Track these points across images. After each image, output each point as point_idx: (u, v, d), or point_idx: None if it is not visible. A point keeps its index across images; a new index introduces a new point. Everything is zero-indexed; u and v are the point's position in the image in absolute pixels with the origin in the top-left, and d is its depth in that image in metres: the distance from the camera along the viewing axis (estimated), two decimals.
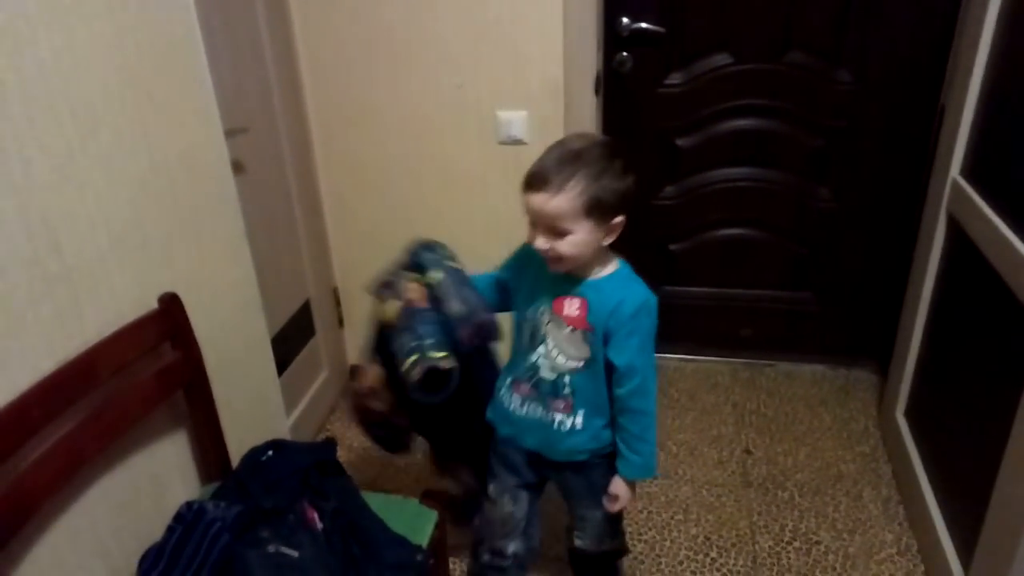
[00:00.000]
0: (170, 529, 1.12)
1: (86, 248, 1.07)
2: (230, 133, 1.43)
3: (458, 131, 1.97)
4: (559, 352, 1.20)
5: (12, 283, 0.94)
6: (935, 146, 1.81)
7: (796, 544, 1.72)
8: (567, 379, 1.21)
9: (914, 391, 1.87)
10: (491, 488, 1.39)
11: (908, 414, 1.90)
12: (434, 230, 2.10)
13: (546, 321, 1.21)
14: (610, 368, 1.19)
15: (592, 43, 1.85)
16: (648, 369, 1.21)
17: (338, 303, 2.27)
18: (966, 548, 1.44)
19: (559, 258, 1.13)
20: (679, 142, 2.17)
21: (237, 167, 1.49)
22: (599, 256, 1.18)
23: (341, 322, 2.29)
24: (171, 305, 1.22)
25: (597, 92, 1.92)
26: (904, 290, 1.94)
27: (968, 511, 1.43)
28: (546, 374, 1.22)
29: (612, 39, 2.02)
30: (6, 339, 0.94)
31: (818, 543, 1.72)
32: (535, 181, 1.09)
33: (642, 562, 1.68)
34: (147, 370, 1.18)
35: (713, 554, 1.70)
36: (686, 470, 1.97)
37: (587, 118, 1.91)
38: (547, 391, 1.24)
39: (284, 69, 1.90)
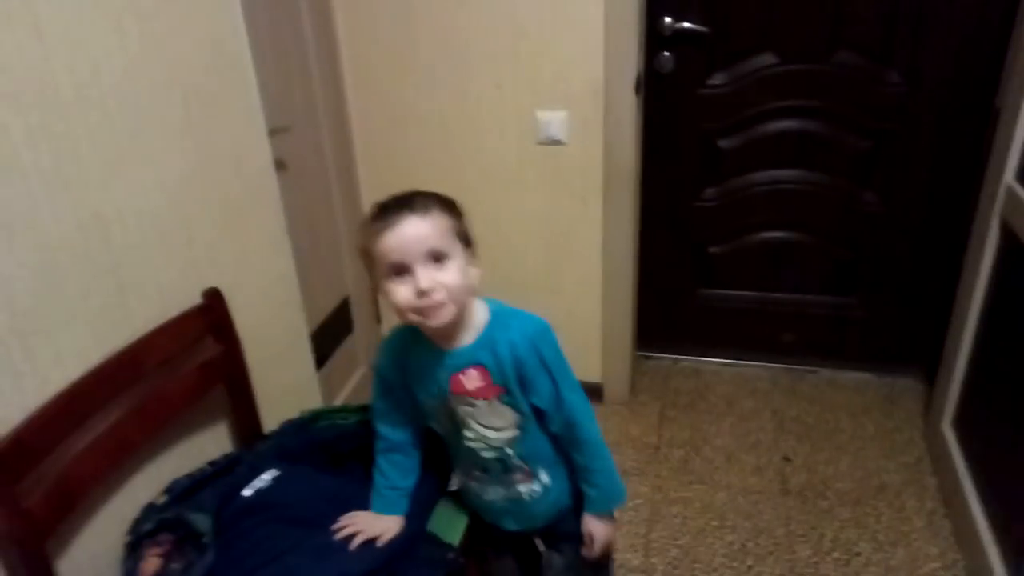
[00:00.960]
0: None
1: (134, 243, 1.10)
2: (273, 132, 1.46)
3: (497, 131, 1.97)
4: (486, 429, 1.07)
5: (64, 275, 0.98)
6: (988, 150, 1.75)
7: (835, 554, 1.68)
8: (510, 451, 1.09)
9: (962, 401, 1.81)
10: None
11: (956, 425, 1.85)
12: (471, 228, 2.12)
13: (456, 405, 1.07)
14: (538, 411, 1.08)
15: (634, 43, 1.83)
16: (572, 395, 1.09)
17: (376, 300, 2.30)
18: (1016, 565, 1.39)
19: (443, 298, 0.96)
20: (721, 143, 2.14)
21: (280, 165, 1.52)
22: (471, 303, 1.05)
23: (379, 319, 2.32)
24: (214, 300, 1.24)
25: (638, 92, 1.91)
26: (953, 297, 1.88)
27: (1017, 527, 1.38)
28: (488, 454, 1.10)
29: (654, 39, 2.00)
30: (58, 330, 0.97)
31: (858, 554, 1.68)
32: (394, 212, 0.97)
33: (676, 567, 1.66)
34: (190, 363, 1.21)
35: (749, 561, 1.67)
36: (723, 476, 1.94)
37: (627, 119, 1.90)
38: (498, 470, 1.12)
39: (327, 69, 1.93)
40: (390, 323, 2.30)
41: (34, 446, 0.90)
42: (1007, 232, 1.61)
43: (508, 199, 2.05)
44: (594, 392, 2.25)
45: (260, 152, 1.40)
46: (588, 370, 2.24)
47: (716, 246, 2.29)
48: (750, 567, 1.66)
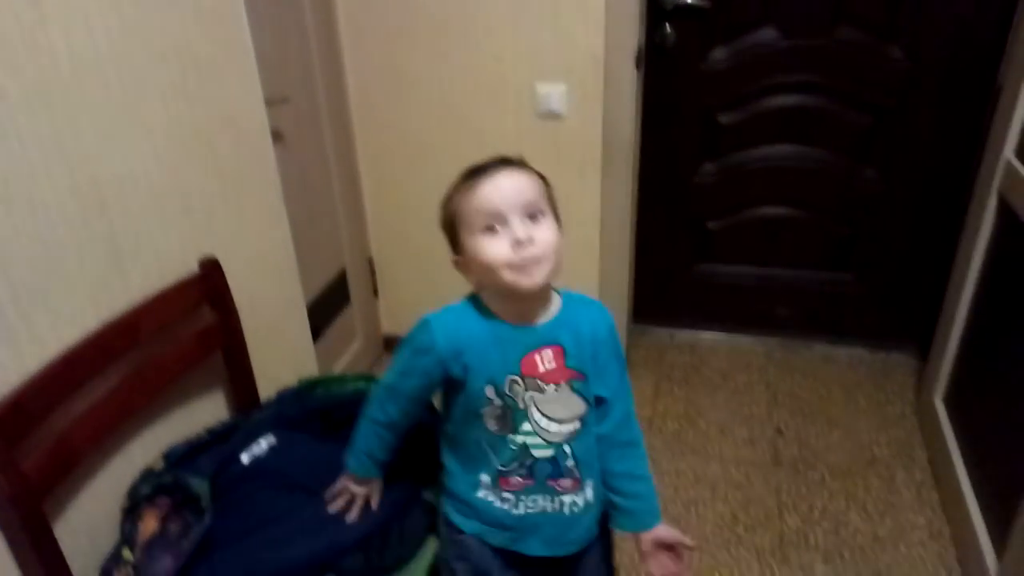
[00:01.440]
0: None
1: (131, 210, 1.10)
2: (271, 102, 1.45)
3: (496, 103, 1.96)
4: (549, 420, 0.98)
5: (61, 242, 0.98)
6: (989, 128, 1.74)
7: (824, 524, 1.71)
8: (567, 449, 1.00)
9: (954, 376, 1.83)
10: None
11: (947, 400, 1.86)
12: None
13: (521, 392, 0.96)
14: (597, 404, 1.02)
15: (635, 16, 1.82)
16: (628, 392, 1.05)
17: (373, 273, 2.31)
18: (1000, 535, 1.42)
19: (541, 253, 0.91)
20: (721, 119, 2.14)
21: (277, 136, 1.52)
22: (555, 277, 0.97)
23: (376, 292, 2.33)
24: (211, 269, 1.25)
25: (638, 66, 1.89)
26: (948, 273, 1.89)
27: (1004, 498, 1.41)
28: (541, 452, 0.99)
29: (655, 12, 1.98)
30: (56, 296, 0.98)
31: (847, 524, 1.71)
32: (493, 166, 0.94)
33: None
34: (187, 331, 1.22)
35: (739, 530, 1.70)
36: (715, 448, 1.96)
37: (627, 92, 1.89)
38: (546, 473, 1.00)
39: (325, 40, 1.91)
40: (387, 297, 2.32)
41: (32, 410, 0.92)
42: (1005, 208, 1.61)
43: None
44: None
45: (257, 122, 1.40)
46: None
47: (714, 221, 2.30)
48: (740, 536, 1.69)
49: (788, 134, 2.12)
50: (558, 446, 0.99)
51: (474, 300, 1.01)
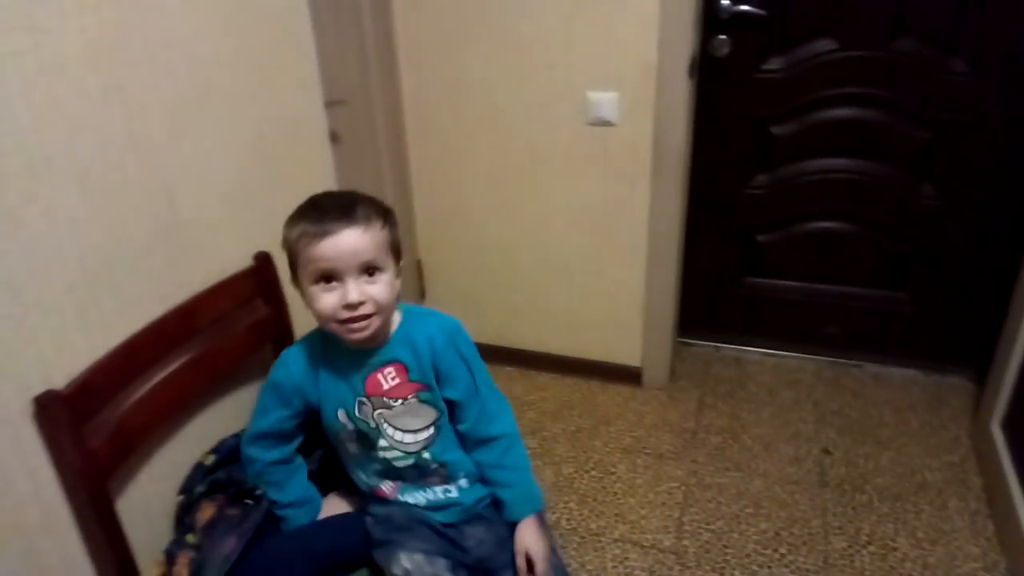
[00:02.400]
0: None
1: (196, 204, 1.15)
2: (329, 105, 1.49)
3: (547, 111, 1.98)
4: (403, 433, 1.05)
5: (131, 231, 1.03)
6: None
7: (871, 548, 1.66)
8: (426, 455, 1.07)
9: (1013, 401, 1.76)
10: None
11: (1005, 425, 1.80)
12: (518, 209, 2.14)
13: (371, 412, 1.04)
14: (451, 408, 1.09)
15: (689, 25, 1.81)
16: (487, 389, 1.09)
17: (421, 275, 2.34)
18: None
19: (373, 311, 0.96)
20: (774, 130, 2.11)
21: (333, 137, 1.56)
22: (393, 310, 1.04)
23: (423, 294, 2.36)
24: (264, 263, 1.29)
25: (691, 76, 1.89)
26: (1008, 294, 1.83)
27: None
28: (403, 462, 1.07)
29: (710, 21, 1.97)
30: (124, 283, 1.02)
31: (895, 549, 1.66)
32: (336, 221, 0.94)
33: (707, 551, 1.67)
34: (240, 323, 1.26)
35: (783, 550, 1.67)
36: (760, 464, 1.93)
37: (679, 102, 1.88)
38: (413, 476, 1.09)
39: (382, 45, 1.96)
40: (435, 299, 2.35)
41: (99, 391, 0.96)
42: None
43: (556, 179, 2.06)
44: (633, 376, 2.26)
45: (316, 123, 1.44)
46: (627, 354, 2.24)
47: (764, 234, 2.26)
48: (783, 555, 1.65)
49: (843, 147, 2.08)
50: (417, 455, 1.07)
51: (321, 336, 1.07)
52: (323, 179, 1.48)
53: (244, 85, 1.22)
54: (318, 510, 1.18)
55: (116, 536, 0.98)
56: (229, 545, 1.01)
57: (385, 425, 1.05)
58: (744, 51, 2.02)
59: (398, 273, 1.02)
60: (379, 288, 0.97)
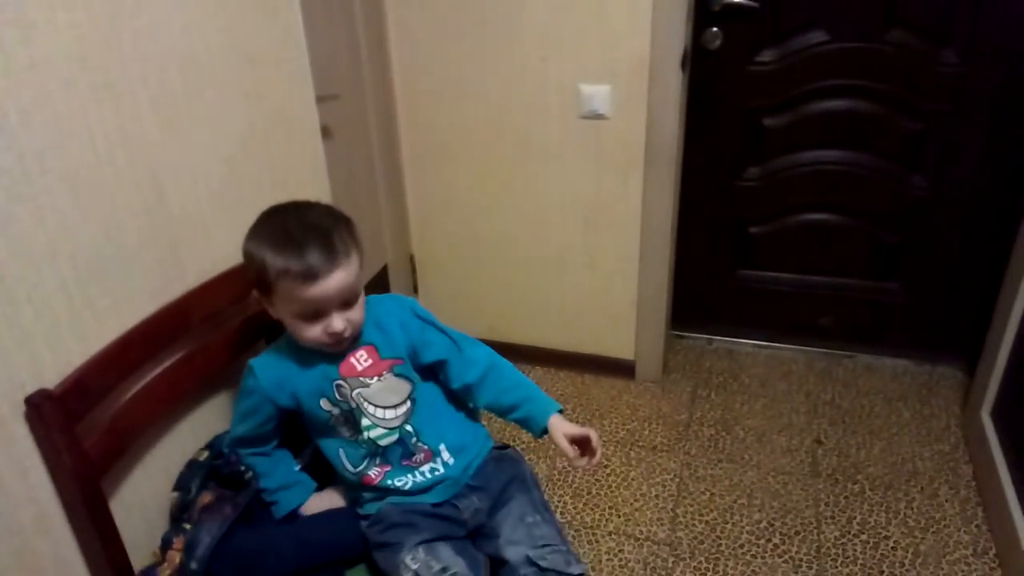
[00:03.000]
0: None
1: (188, 200, 1.14)
2: (321, 99, 1.48)
3: (540, 104, 1.97)
4: (384, 409, 1.09)
5: (124, 229, 1.02)
6: None
7: (863, 537, 1.68)
8: (409, 427, 1.10)
9: (1003, 391, 1.78)
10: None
11: (995, 414, 1.82)
12: (510, 203, 2.14)
13: (349, 393, 1.08)
14: (434, 373, 1.14)
15: (681, 17, 1.81)
16: (468, 341, 1.16)
17: (413, 270, 2.34)
18: None
19: (352, 332, 1.05)
20: (767, 122, 2.11)
21: (325, 132, 1.55)
22: None
23: (416, 289, 2.36)
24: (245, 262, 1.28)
25: (684, 68, 1.89)
26: (999, 285, 1.84)
27: None
28: (387, 440, 1.10)
29: (702, 13, 1.97)
30: (117, 281, 1.02)
31: (887, 538, 1.67)
32: (320, 262, 0.97)
33: (701, 542, 1.68)
34: (233, 319, 1.25)
35: (776, 540, 1.68)
36: (752, 455, 1.94)
37: (671, 94, 1.88)
38: (398, 456, 1.11)
39: (374, 39, 1.95)
40: (427, 294, 2.34)
41: (93, 389, 0.96)
42: None
43: (548, 172, 2.06)
44: (626, 369, 2.27)
45: (308, 118, 1.43)
46: (621, 347, 2.25)
47: (757, 226, 2.27)
48: (776, 546, 1.67)
49: (835, 139, 2.09)
50: (400, 428, 1.10)
51: (290, 339, 1.10)
52: (315, 173, 1.47)
53: (235, 80, 1.21)
54: (310, 490, 1.19)
55: (110, 534, 0.98)
56: (224, 512, 1.04)
57: (365, 404, 1.09)
58: (736, 43, 2.01)
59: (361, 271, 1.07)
60: (357, 311, 1.04)
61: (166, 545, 1.06)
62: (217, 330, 1.21)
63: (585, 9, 1.83)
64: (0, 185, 0.84)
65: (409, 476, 1.12)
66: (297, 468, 1.21)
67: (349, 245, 1.02)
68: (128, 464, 1.08)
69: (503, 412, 1.15)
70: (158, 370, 1.08)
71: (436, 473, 1.13)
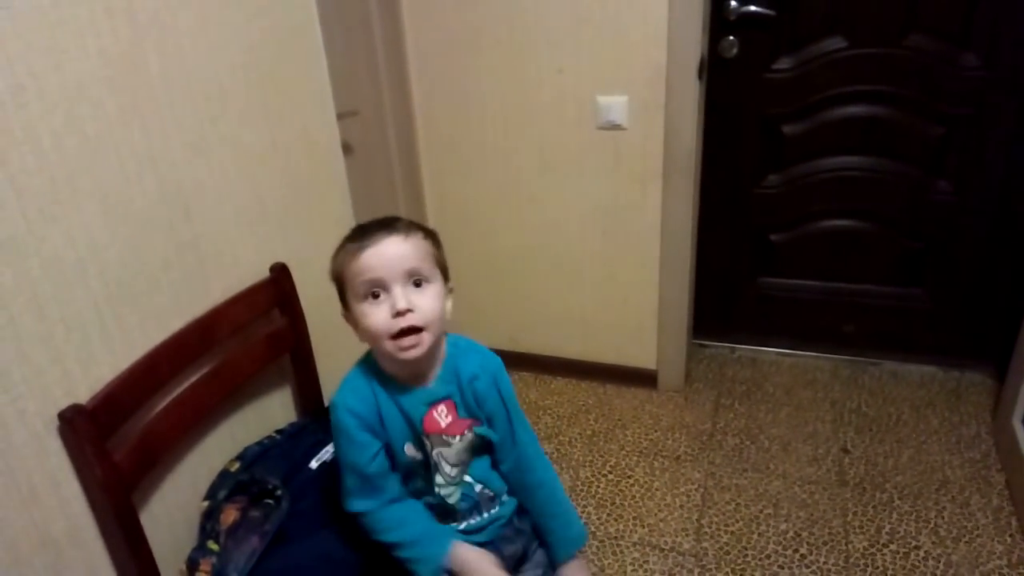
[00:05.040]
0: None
1: (213, 218, 1.16)
2: (341, 115, 1.51)
3: (557, 115, 1.99)
4: (456, 470, 1.05)
5: (150, 247, 1.05)
6: None
7: (893, 547, 1.65)
8: (468, 478, 1.07)
9: None
10: None
11: None
12: (530, 214, 2.15)
13: (430, 450, 1.02)
14: (489, 446, 1.08)
15: (697, 27, 1.82)
16: (525, 434, 1.09)
17: None
18: None
19: (422, 325, 0.93)
20: (785, 129, 2.10)
21: (346, 148, 1.57)
22: (442, 337, 1.02)
23: None
24: (281, 275, 1.31)
25: (701, 77, 1.89)
26: None
27: None
28: (453, 499, 1.06)
29: (719, 22, 1.97)
30: (144, 298, 1.04)
31: (917, 548, 1.64)
32: (377, 229, 0.94)
33: (727, 552, 1.66)
34: (258, 334, 1.28)
35: (803, 551, 1.66)
36: (778, 465, 1.92)
37: (689, 104, 1.88)
38: (466, 509, 1.08)
39: (392, 56, 1.97)
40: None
41: (123, 404, 0.98)
42: None
43: (567, 184, 2.07)
44: (648, 379, 2.26)
45: (329, 135, 1.46)
46: (643, 357, 2.24)
47: (777, 234, 2.26)
48: (803, 556, 1.65)
49: (856, 145, 2.07)
50: (460, 483, 1.06)
51: (368, 363, 1.03)
52: (337, 189, 1.50)
53: (258, 99, 1.24)
54: (450, 534, 1.08)
55: (140, 546, 1.00)
56: (252, 544, 1.03)
57: (442, 462, 1.04)
58: (753, 51, 2.01)
59: (447, 292, 1.00)
60: (427, 299, 0.95)
61: (193, 565, 1.06)
62: (243, 345, 1.24)
63: (600, 20, 1.84)
64: (33, 207, 0.87)
65: (470, 519, 1.10)
66: (432, 517, 1.10)
67: (414, 228, 0.97)
68: (158, 477, 1.10)
69: (534, 525, 1.15)
70: (186, 385, 1.11)
71: (493, 512, 1.11)
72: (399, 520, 1.05)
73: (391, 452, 1.03)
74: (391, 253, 0.93)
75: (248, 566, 1.02)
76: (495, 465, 1.10)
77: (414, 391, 1.01)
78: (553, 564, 1.14)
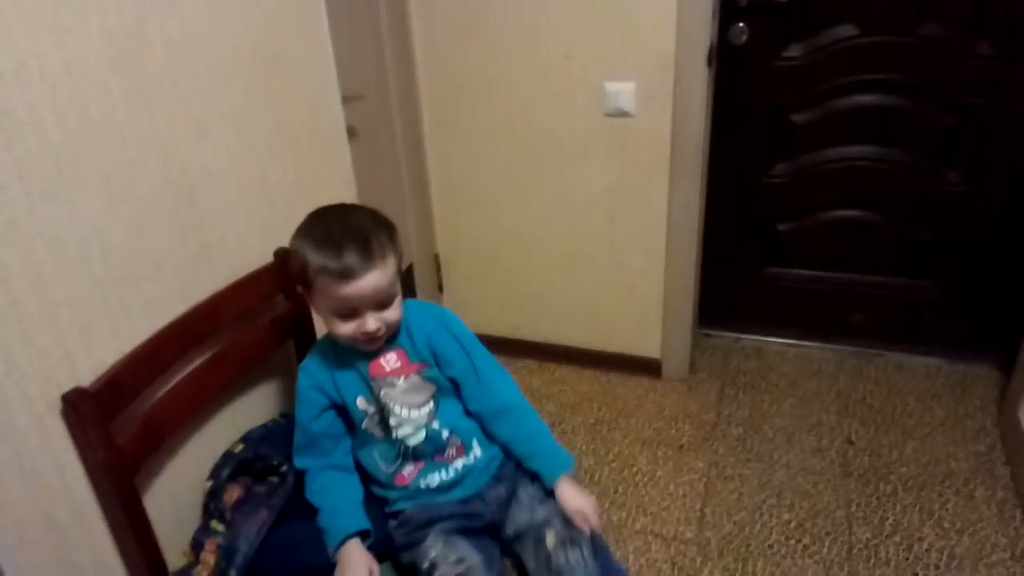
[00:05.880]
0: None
1: (217, 201, 1.15)
2: (346, 99, 1.49)
3: (564, 102, 1.97)
4: (409, 408, 1.11)
5: (154, 231, 1.04)
6: None
7: (896, 538, 1.65)
8: (436, 424, 1.12)
9: None
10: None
11: None
12: (535, 201, 2.14)
13: (378, 392, 1.10)
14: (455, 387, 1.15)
15: (707, 13, 1.79)
16: (488, 366, 1.16)
17: (439, 269, 2.34)
18: None
19: (385, 332, 1.06)
20: (795, 118, 2.08)
21: (351, 132, 1.56)
22: None
23: (441, 288, 2.36)
24: (285, 259, 1.29)
25: (710, 64, 1.87)
26: None
27: None
28: (415, 439, 1.12)
29: (729, 9, 1.95)
30: (149, 282, 1.04)
31: (921, 539, 1.64)
32: (357, 262, 0.99)
33: (730, 542, 1.66)
34: (262, 318, 1.27)
35: (806, 541, 1.66)
36: (782, 455, 1.92)
37: (697, 91, 1.86)
38: (430, 452, 1.13)
39: (398, 39, 1.96)
40: (452, 293, 2.35)
41: (126, 387, 0.97)
42: None
43: (573, 171, 2.05)
44: (652, 368, 2.25)
45: (334, 119, 1.45)
46: (647, 346, 2.23)
47: (785, 223, 2.24)
48: (806, 546, 1.64)
49: (866, 134, 2.05)
50: (427, 427, 1.12)
51: (330, 339, 1.12)
52: (342, 174, 1.49)
53: (262, 82, 1.23)
54: (359, 526, 1.10)
55: (144, 529, 1.00)
56: (261, 516, 1.05)
57: (391, 404, 1.11)
58: (763, 38, 1.99)
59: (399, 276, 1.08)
60: (392, 312, 1.06)
61: (198, 546, 1.07)
62: (247, 329, 1.23)
63: (609, 6, 1.82)
64: (36, 187, 0.86)
65: (440, 473, 1.14)
66: (360, 500, 1.14)
67: (387, 249, 1.03)
68: (160, 461, 1.09)
69: (514, 455, 1.17)
70: (189, 368, 1.10)
71: (466, 466, 1.15)
72: (327, 487, 1.12)
73: (346, 413, 1.13)
74: (369, 289, 1.01)
75: (259, 538, 1.03)
76: (469, 414, 1.16)
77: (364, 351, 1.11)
78: (547, 491, 1.12)
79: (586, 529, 1.08)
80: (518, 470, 1.17)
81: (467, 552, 1.05)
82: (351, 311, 1.03)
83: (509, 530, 1.13)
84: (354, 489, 1.14)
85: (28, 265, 0.86)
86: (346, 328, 1.04)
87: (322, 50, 1.38)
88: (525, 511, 1.12)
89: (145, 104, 1.00)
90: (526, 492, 1.14)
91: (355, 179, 1.53)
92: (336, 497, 1.12)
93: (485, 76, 2.01)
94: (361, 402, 1.12)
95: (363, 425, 1.13)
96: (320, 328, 1.37)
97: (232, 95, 1.16)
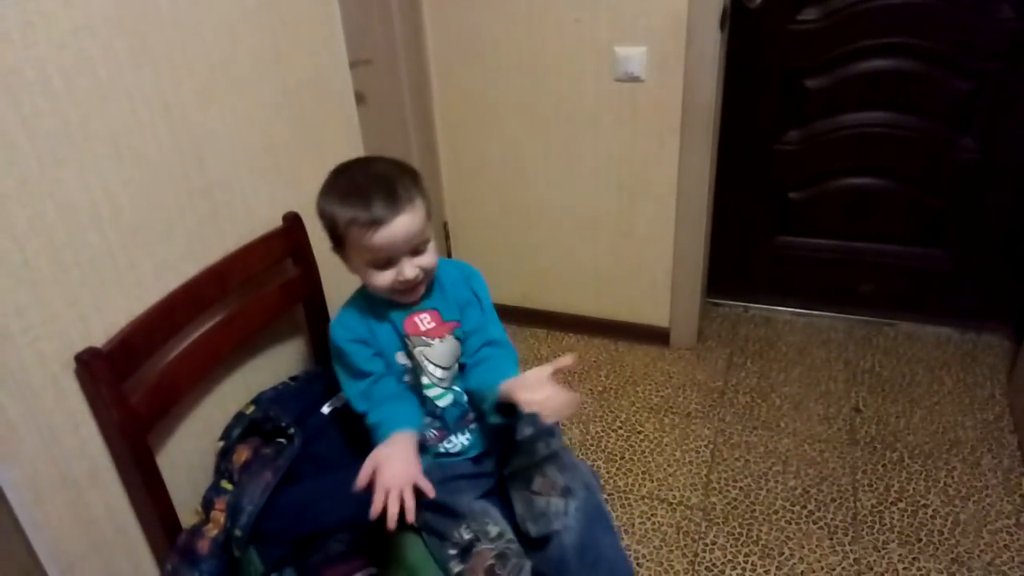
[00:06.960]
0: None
1: (226, 165, 1.16)
2: (354, 64, 1.48)
3: (574, 67, 1.95)
4: (438, 368, 1.11)
5: (164, 194, 1.04)
6: None
7: (901, 505, 1.66)
8: (458, 387, 1.13)
9: None
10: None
11: None
12: (545, 168, 2.12)
13: (412, 350, 1.10)
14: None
15: None
16: (495, 326, 1.15)
17: (447, 237, 2.34)
18: None
19: (424, 279, 1.05)
20: (808, 83, 2.05)
21: (359, 98, 1.55)
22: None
23: (449, 255, 2.37)
24: (294, 224, 1.30)
25: (723, 27, 1.84)
26: None
27: None
28: (444, 401, 1.13)
29: None
30: (159, 245, 1.04)
31: (926, 506, 1.65)
32: (385, 209, 0.97)
33: (735, 507, 1.68)
34: (271, 283, 1.28)
35: (811, 507, 1.67)
36: (789, 423, 1.93)
37: (709, 55, 1.83)
38: (455, 417, 1.14)
39: (406, 3, 1.93)
40: (460, 258, 2.35)
41: (138, 348, 0.99)
42: None
43: (583, 137, 2.04)
44: (661, 336, 2.26)
45: (342, 83, 1.44)
46: (656, 314, 2.23)
47: (796, 191, 2.22)
48: (811, 512, 1.66)
49: (880, 100, 2.02)
50: (451, 390, 1.13)
51: (362, 293, 1.13)
52: (349, 139, 1.48)
53: (270, 45, 1.22)
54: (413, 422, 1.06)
55: (157, 487, 1.02)
56: (265, 478, 1.06)
57: (426, 363, 1.11)
58: (777, 1, 1.95)
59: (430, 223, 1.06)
60: (428, 257, 1.04)
61: (208, 504, 1.09)
62: (256, 293, 1.24)
63: None
64: (46, 147, 0.86)
65: (460, 438, 1.15)
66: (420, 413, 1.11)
67: (413, 192, 1.01)
68: (174, 422, 1.11)
69: (478, 374, 1.11)
70: (200, 331, 1.12)
71: (467, 438, 1.16)
72: (395, 393, 1.09)
73: (387, 364, 1.12)
74: (401, 234, 0.99)
75: (263, 499, 1.05)
76: None
77: (404, 306, 1.10)
78: (492, 400, 1.05)
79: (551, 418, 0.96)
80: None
81: (501, 524, 1.05)
82: (386, 260, 1.01)
83: (506, 472, 1.15)
84: (408, 395, 1.11)
85: (39, 227, 0.87)
86: (384, 278, 1.02)
87: (330, 13, 1.37)
88: (522, 455, 1.13)
89: (152, 67, 1.00)
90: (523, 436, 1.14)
91: (363, 145, 1.52)
92: (401, 399, 1.09)
93: (494, 40, 1.99)
94: (401, 357, 1.12)
95: (403, 379, 1.12)
96: (330, 293, 1.38)
97: (238, 58, 1.15)
